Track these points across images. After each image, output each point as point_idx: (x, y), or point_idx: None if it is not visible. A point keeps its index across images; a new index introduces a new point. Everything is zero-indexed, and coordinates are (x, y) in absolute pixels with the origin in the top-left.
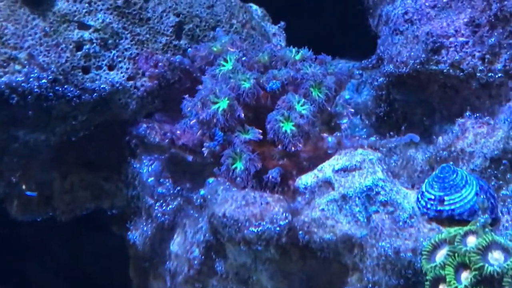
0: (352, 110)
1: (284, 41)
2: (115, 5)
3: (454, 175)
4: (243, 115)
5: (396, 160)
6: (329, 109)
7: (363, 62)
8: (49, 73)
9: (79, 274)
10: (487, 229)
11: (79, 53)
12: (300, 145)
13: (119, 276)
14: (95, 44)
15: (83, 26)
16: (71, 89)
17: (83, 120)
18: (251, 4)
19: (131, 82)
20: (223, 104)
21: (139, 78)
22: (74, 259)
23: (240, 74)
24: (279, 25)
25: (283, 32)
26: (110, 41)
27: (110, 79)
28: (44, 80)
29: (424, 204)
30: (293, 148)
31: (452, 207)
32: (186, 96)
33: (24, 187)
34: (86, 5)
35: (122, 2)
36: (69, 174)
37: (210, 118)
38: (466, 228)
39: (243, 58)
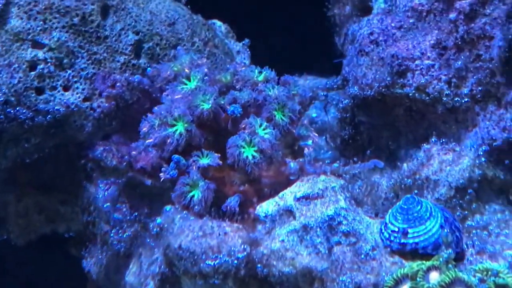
0: (316, 135)
1: (248, 59)
2: (71, 23)
3: (419, 207)
4: (203, 139)
5: (360, 185)
6: (293, 131)
7: (327, 82)
8: (0, 94)
9: None
10: (450, 265)
11: (32, 73)
12: (263, 171)
13: None
14: (49, 64)
15: (37, 44)
16: (24, 111)
17: (36, 142)
18: (215, 21)
19: (87, 103)
20: (180, 127)
21: (95, 98)
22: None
23: (201, 95)
24: (243, 42)
25: (247, 49)
26: (65, 61)
27: (65, 100)
28: None
29: (387, 236)
30: (256, 175)
31: (416, 240)
32: (146, 116)
33: None
34: (41, 22)
35: (78, 20)
36: (24, 197)
37: (165, 141)
38: (428, 263)
39: (205, 78)
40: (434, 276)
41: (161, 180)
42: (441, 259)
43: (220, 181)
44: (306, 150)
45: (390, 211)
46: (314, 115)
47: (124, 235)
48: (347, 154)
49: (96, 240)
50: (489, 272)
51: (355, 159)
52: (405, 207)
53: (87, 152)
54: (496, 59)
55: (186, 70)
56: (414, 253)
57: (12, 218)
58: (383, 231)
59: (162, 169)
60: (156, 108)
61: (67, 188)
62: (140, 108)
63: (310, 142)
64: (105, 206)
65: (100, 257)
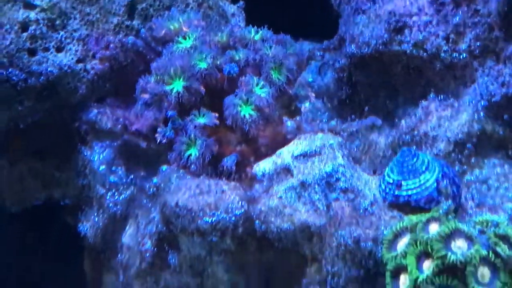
0: (313, 94)
1: (243, 22)
2: None
3: (414, 159)
4: (199, 99)
5: (358, 145)
6: (289, 91)
7: (324, 43)
8: None
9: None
10: (450, 216)
11: (24, 34)
12: (260, 131)
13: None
14: (42, 25)
15: (28, 5)
16: (17, 72)
17: (30, 105)
18: None
19: (80, 65)
20: (178, 85)
21: (89, 60)
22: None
23: (197, 53)
24: (238, 4)
25: (242, 12)
26: (57, 22)
27: (58, 62)
28: None
29: (383, 188)
30: (254, 132)
31: (409, 192)
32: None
33: None
34: None
35: None
36: (19, 163)
37: (161, 99)
38: (428, 215)
39: (201, 37)
40: (433, 228)
41: (157, 142)
42: (440, 211)
43: (217, 141)
44: (303, 108)
45: (390, 164)
46: (310, 79)
47: (120, 198)
48: (344, 115)
49: (92, 203)
50: (489, 224)
51: (352, 116)
52: (401, 159)
53: (81, 114)
54: (495, 13)
55: (184, 29)
56: (406, 206)
57: (6, 185)
58: (381, 184)
59: (158, 130)
60: (153, 64)
61: (62, 154)
62: (134, 70)
63: (307, 103)
64: (100, 169)
65: (96, 220)
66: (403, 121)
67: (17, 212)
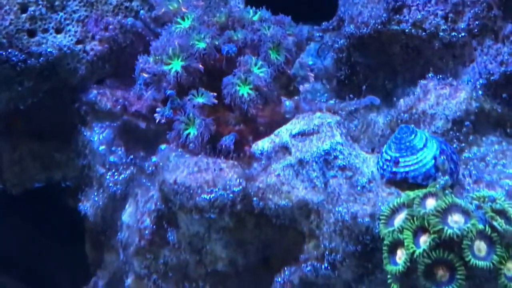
0: (312, 75)
1: (242, 4)
2: None
3: (412, 136)
4: (197, 79)
5: (357, 124)
6: (288, 71)
7: (323, 24)
8: None
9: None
10: (447, 191)
11: (24, 15)
12: (259, 109)
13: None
14: (41, 6)
15: None
16: (16, 53)
17: (29, 86)
18: None
19: (80, 46)
20: (176, 65)
21: (88, 41)
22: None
23: (196, 33)
24: None
25: None
26: (57, 3)
27: (57, 43)
28: None
29: (381, 165)
30: (252, 112)
31: (407, 169)
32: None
33: None
34: None
35: None
36: (19, 145)
37: (160, 79)
38: (425, 191)
39: (202, 18)
40: (430, 203)
41: (156, 121)
42: (437, 186)
43: (216, 121)
44: (301, 88)
45: (388, 141)
46: (310, 62)
47: (120, 178)
48: (343, 95)
49: (92, 183)
50: (486, 199)
51: (351, 96)
52: (399, 136)
53: (81, 95)
54: None
55: (183, 9)
56: (404, 182)
57: (7, 167)
58: (379, 161)
59: (157, 109)
60: (152, 44)
61: (62, 135)
62: (133, 51)
63: (306, 84)
64: (100, 149)
65: (96, 199)
66: (401, 100)
67: (18, 194)
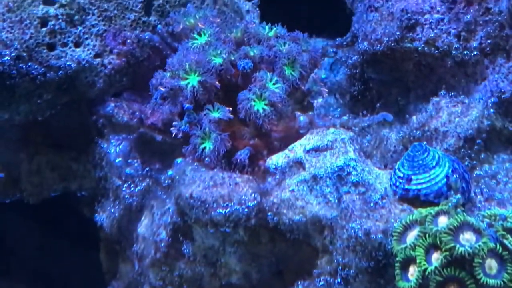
0: (326, 90)
1: (257, 19)
2: None
3: (425, 154)
4: (213, 94)
5: (370, 140)
6: (302, 87)
7: (337, 40)
8: (12, 50)
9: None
10: (459, 210)
11: (44, 29)
12: (273, 125)
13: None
14: (60, 20)
15: (48, 1)
16: (36, 66)
17: (48, 98)
18: None
19: (98, 60)
20: (193, 80)
21: (106, 55)
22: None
23: (212, 49)
24: (252, 1)
25: (257, 9)
26: (76, 17)
27: (76, 57)
28: (7, 57)
29: (394, 182)
30: (267, 127)
31: (419, 187)
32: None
33: None
34: None
35: None
36: (37, 155)
37: (177, 94)
38: (437, 208)
39: (216, 34)
40: (442, 221)
41: (173, 135)
42: (449, 204)
43: (231, 136)
44: (315, 103)
45: (400, 159)
46: (323, 76)
47: (136, 189)
48: (356, 111)
49: (109, 194)
50: (497, 217)
51: (364, 112)
52: (412, 154)
53: (99, 108)
54: (505, 12)
55: (200, 25)
56: (416, 200)
57: (25, 177)
58: (391, 178)
59: (174, 123)
60: (168, 60)
61: (79, 146)
62: (150, 65)
63: (321, 99)
64: (116, 161)
65: (112, 211)
66: (414, 117)
67: (34, 203)
